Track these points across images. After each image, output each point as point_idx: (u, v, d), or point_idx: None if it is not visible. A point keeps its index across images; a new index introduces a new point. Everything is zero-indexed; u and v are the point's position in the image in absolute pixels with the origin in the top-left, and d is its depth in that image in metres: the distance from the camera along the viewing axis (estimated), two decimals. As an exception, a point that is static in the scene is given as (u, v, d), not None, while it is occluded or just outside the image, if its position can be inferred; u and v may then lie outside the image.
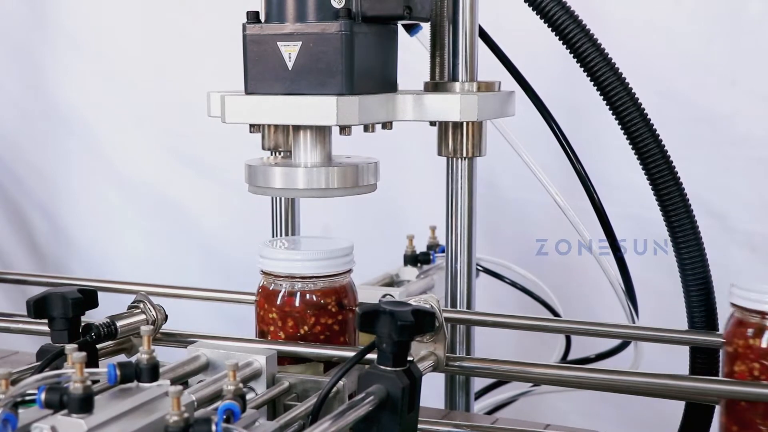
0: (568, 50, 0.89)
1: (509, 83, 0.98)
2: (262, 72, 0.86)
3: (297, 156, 0.89)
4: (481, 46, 0.97)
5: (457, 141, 0.96)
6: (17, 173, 1.89)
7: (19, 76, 1.87)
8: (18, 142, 1.88)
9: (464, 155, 0.96)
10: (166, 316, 0.85)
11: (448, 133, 0.97)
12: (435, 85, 0.96)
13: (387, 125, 0.91)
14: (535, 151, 1.03)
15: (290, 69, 0.85)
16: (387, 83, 0.91)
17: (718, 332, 0.89)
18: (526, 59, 1.01)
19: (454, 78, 0.96)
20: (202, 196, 1.74)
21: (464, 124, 0.95)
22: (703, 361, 0.90)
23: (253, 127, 0.92)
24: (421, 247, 1.20)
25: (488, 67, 0.99)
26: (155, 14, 1.74)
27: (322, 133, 0.88)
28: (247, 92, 0.87)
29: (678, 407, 0.91)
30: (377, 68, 0.88)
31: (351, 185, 0.87)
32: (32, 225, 1.90)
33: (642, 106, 0.88)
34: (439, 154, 0.98)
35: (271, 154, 1.02)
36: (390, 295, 1.02)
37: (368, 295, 1.00)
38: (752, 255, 1.37)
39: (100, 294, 0.81)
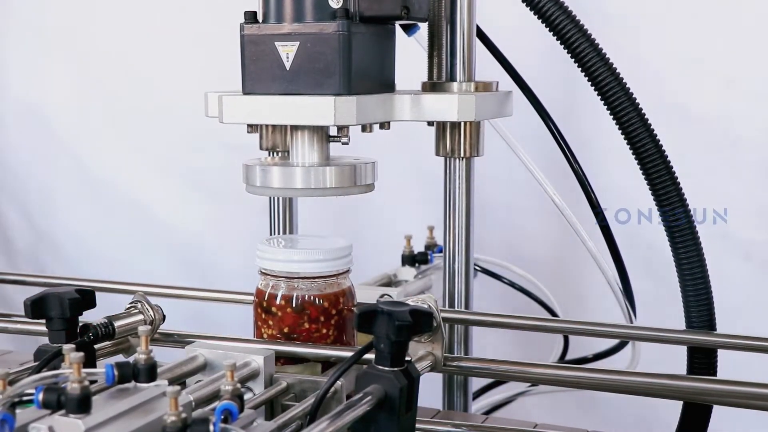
0: (565, 50, 0.89)
1: (507, 83, 0.98)
2: (259, 72, 0.85)
3: (295, 156, 0.89)
4: (479, 47, 0.98)
5: (455, 141, 0.96)
6: None
7: None
8: None
9: (462, 155, 0.96)
10: (164, 316, 0.85)
11: (445, 133, 0.97)
12: (432, 85, 0.96)
13: (385, 125, 0.91)
14: (532, 151, 1.03)
15: (288, 69, 0.84)
16: (385, 83, 0.91)
17: (716, 332, 0.89)
18: (523, 59, 1.01)
19: (451, 78, 0.96)
20: (180, 200, 1.70)
21: (462, 124, 0.95)
22: (700, 360, 0.90)
23: (251, 128, 0.92)
24: (419, 248, 1.20)
25: (486, 67, 0.99)
26: (129, 10, 1.69)
27: (319, 133, 0.88)
28: (245, 92, 0.87)
29: (673, 407, 0.91)
30: (375, 68, 0.88)
31: (349, 185, 0.87)
32: (9, 225, 1.87)
33: (639, 106, 0.88)
34: (437, 154, 0.98)
35: (269, 155, 1.02)
36: (388, 295, 1.02)
37: (366, 295, 1.00)
38: (746, 259, 1.37)
39: (97, 295, 0.81)
